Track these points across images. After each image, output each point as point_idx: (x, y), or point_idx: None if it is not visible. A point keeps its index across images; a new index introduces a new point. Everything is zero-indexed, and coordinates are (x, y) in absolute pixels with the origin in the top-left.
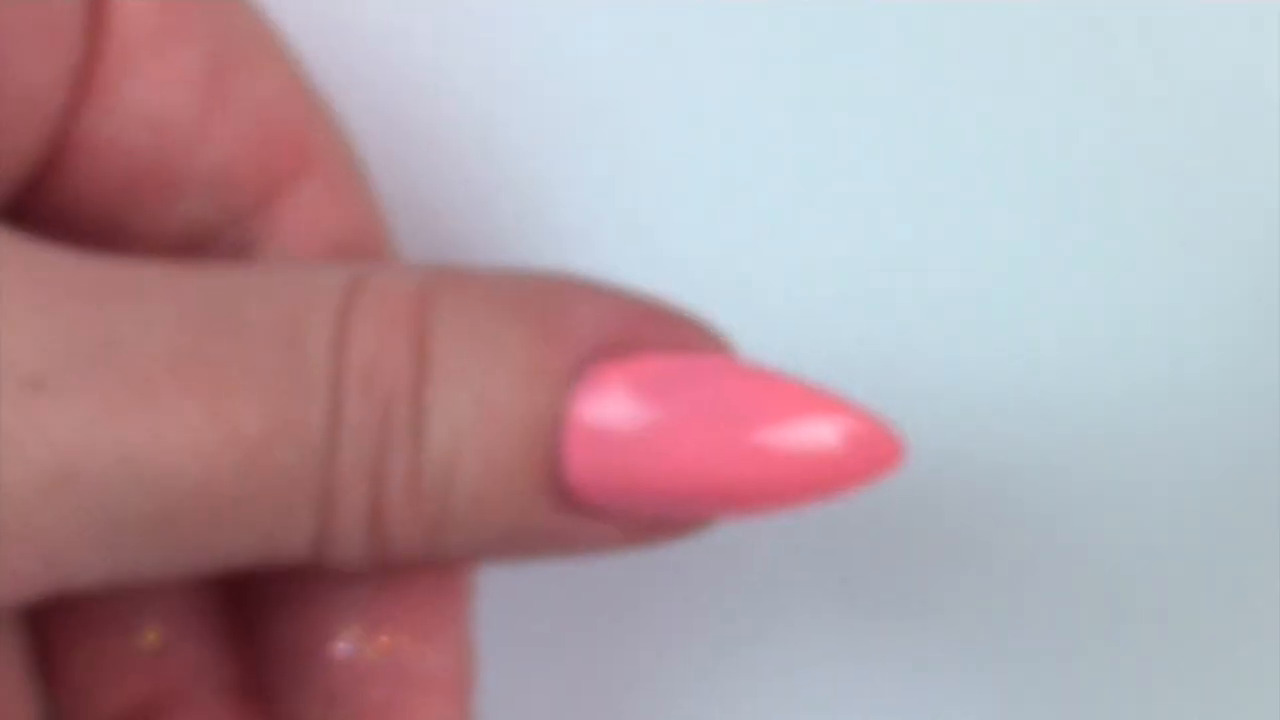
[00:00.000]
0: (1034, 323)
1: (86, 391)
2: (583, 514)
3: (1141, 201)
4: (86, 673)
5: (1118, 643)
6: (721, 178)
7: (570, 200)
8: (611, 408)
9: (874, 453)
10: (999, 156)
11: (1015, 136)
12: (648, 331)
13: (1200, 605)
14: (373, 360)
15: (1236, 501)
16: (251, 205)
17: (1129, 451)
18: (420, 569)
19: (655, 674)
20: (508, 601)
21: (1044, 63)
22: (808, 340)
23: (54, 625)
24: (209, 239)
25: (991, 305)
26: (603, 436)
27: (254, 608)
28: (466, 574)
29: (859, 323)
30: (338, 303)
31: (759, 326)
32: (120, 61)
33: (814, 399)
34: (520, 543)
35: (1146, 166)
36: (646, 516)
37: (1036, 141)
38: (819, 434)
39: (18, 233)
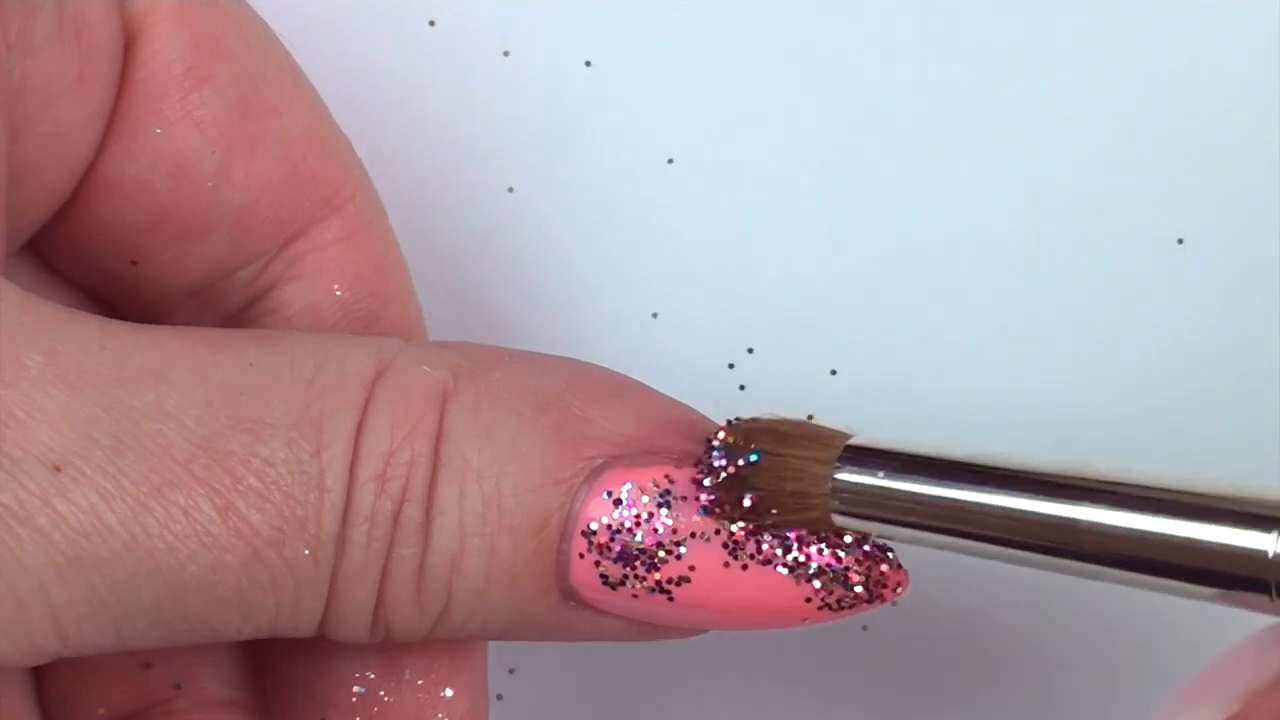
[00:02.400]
0: (1034, 323)
1: (103, 478)
2: (584, 611)
3: (1142, 201)
4: (71, 682)
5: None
6: (722, 181)
7: (583, 219)
8: (619, 522)
9: (873, 584)
10: (999, 156)
11: (1015, 137)
12: (663, 442)
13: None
14: (387, 460)
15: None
16: (272, 246)
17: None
18: None
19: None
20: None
21: (1044, 63)
22: (809, 345)
23: None
24: (228, 278)
25: (992, 304)
26: (605, 547)
27: (270, 646)
28: None
29: (859, 324)
30: (360, 396)
31: (761, 327)
32: (148, 104)
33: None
34: (521, 633)
35: (1147, 166)
36: (647, 618)
37: (1036, 142)
38: (815, 564)
39: (45, 305)
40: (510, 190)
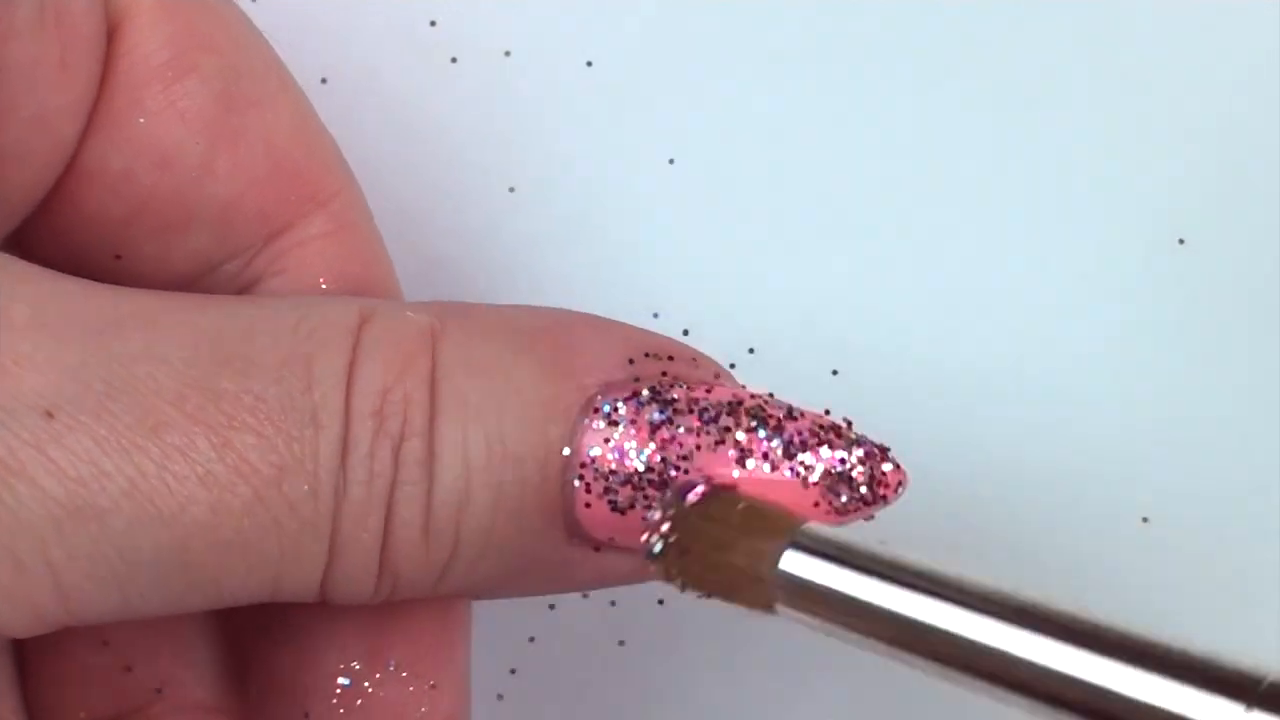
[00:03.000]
0: (1035, 323)
1: (96, 424)
2: (591, 546)
3: (1142, 201)
4: (53, 686)
5: None
6: (720, 182)
7: (577, 226)
8: (620, 443)
9: (875, 483)
10: (999, 156)
11: (1015, 137)
12: (653, 366)
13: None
14: (383, 395)
15: (1238, 503)
16: (257, 241)
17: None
18: (423, 607)
19: None
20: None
21: (1044, 63)
22: (810, 346)
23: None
24: (213, 273)
25: (992, 304)
26: (610, 472)
27: (252, 637)
28: (466, 618)
29: (860, 324)
30: (347, 339)
31: (761, 327)
32: (130, 94)
33: (815, 428)
34: (529, 576)
35: (1147, 166)
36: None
37: (1036, 142)
38: (821, 466)
39: (29, 265)
40: (511, 190)
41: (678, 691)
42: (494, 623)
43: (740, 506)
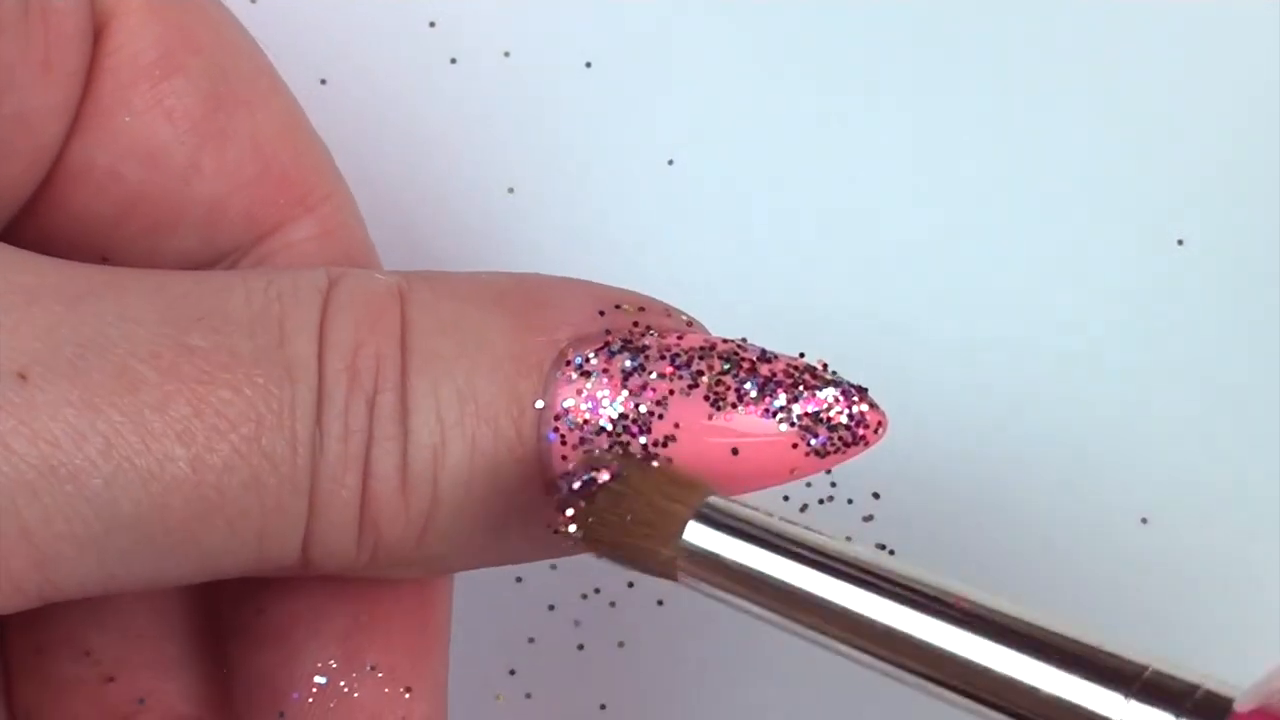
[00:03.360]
0: (1035, 322)
1: (70, 382)
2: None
3: (1142, 201)
4: (36, 696)
5: None
6: (721, 179)
7: (574, 224)
8: (593, 393)
9: (854, 423)
10: (999, 157)
11: (1015, 138)
12: (624, 317)
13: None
14: (355, 351)
15: (1237, 503)
16: (244, 242)
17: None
18: (402, 610)
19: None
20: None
21: (1044, 63)
22: (810, 346)
23: (7, 645)
24: None
25: (992, 304)
26: (584, 422)
27: (235, 637)
28: (445, 623)
29: (860, 324)
30: (317, 298)
31: (761, 327)
32: (117, 92)
33: (790, 369)
34: (511, 538)
35: (1147, 167)
36: None
37: (1036, 143)
38: (797, 407)
39: (3, 243)
40: (510, 190)
41: (678, 691)
42: (494, 623)
43: (655, 474)
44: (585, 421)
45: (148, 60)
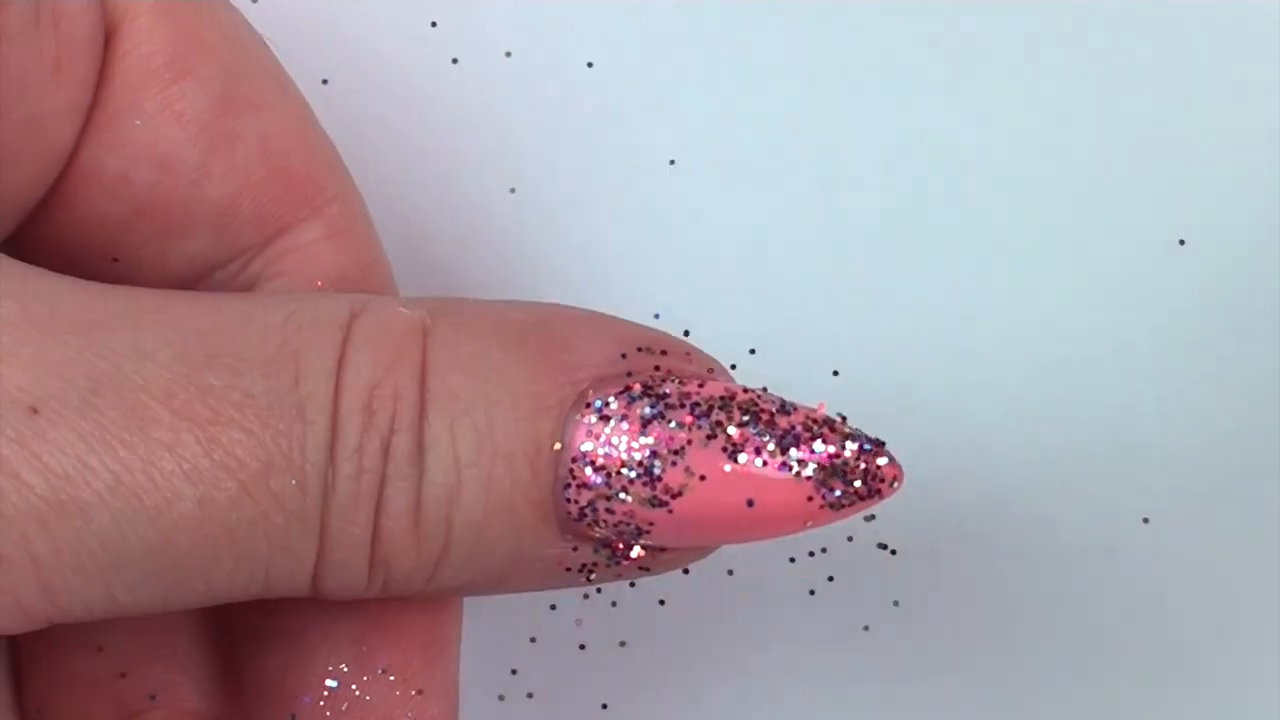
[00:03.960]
0: (1035, 323)
1: (81, 419)
2: (584, 543)
3: (1142, 201)
4: (47, 691)
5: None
6: (720, 185)
7: (576, 228)
8: (611, 439)
9: (870, 478)
10: (999, 157)
11: (1015, 138)
12: (646, 360)
13: (1200, 613)
14: (371, 391)
15: (1237, 503)
16: (254, 243)
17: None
18: (414, 612)
19: None
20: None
21: (1044, 63)
22: (811, 346)
23: (18, 641)
24: (210, 276)
25: (992, 304)
26: (600, 467)
27: (246, 639)
28: (457, 625)
29: (861, 325)
30: (337, 334)
31: (762, 328)
32: (127, 96)
33: (809, 422)
34: (520, 572)
35: (1147, 166)
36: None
37: (1036, 143)
38: (814, 461)
39: (17, 262)
40: (511, 191)
41: (678, 691)
42: (494, 623)
43: None
44: (601, 466)
45: (158, 63)
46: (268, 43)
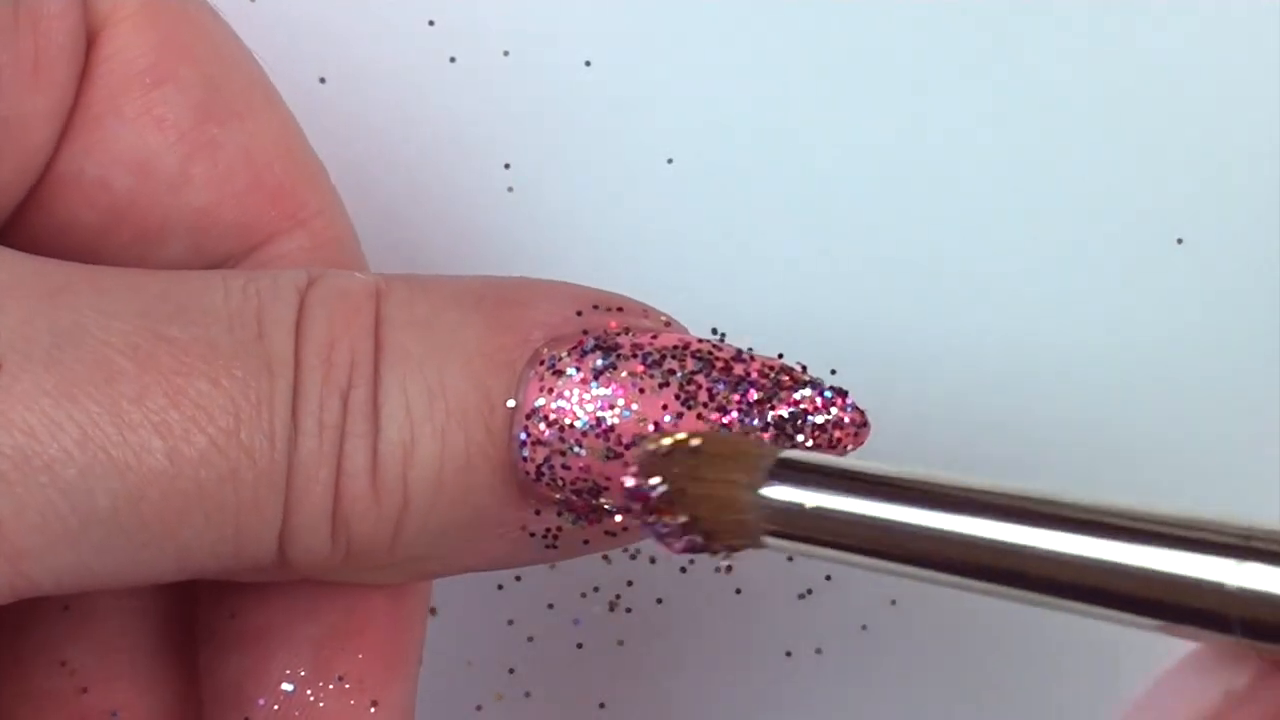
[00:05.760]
0: (1034, 322)
1: (47, 372)
2: (540, 501)
3: (1142, 201)
4: (9, 707)
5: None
6: (719, 180)
7: (570, 231)
8: (563, 392)
9: (835, 425)
10: (998, 157)
11: (1015, 138)
12: (601, 318)
13: None
14: (330, 346)
15: (1237, 502)
16: (234, 252)
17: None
18: (376, 621)
19: None
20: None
21: (1044, 64)
22: (809, 345)
23: None
24: None
25: (992, 304)
26: (554, 420)
27: (205, 644)
28: (419, 639)
29: (860, 324)
30: (294, 295)
31: (761, 328)
32: (107, 100)
33: (766, 369)
34: (485, 539)
35: (1147, 166)
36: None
37: (1036, 143)
38: (771, 409)
39: None
40: (510, 190)
41: (676, 691)
42: (493, 623)
43: (710, 446)
44: (554, 421)
45: (139, 68)
46: (253, 54)
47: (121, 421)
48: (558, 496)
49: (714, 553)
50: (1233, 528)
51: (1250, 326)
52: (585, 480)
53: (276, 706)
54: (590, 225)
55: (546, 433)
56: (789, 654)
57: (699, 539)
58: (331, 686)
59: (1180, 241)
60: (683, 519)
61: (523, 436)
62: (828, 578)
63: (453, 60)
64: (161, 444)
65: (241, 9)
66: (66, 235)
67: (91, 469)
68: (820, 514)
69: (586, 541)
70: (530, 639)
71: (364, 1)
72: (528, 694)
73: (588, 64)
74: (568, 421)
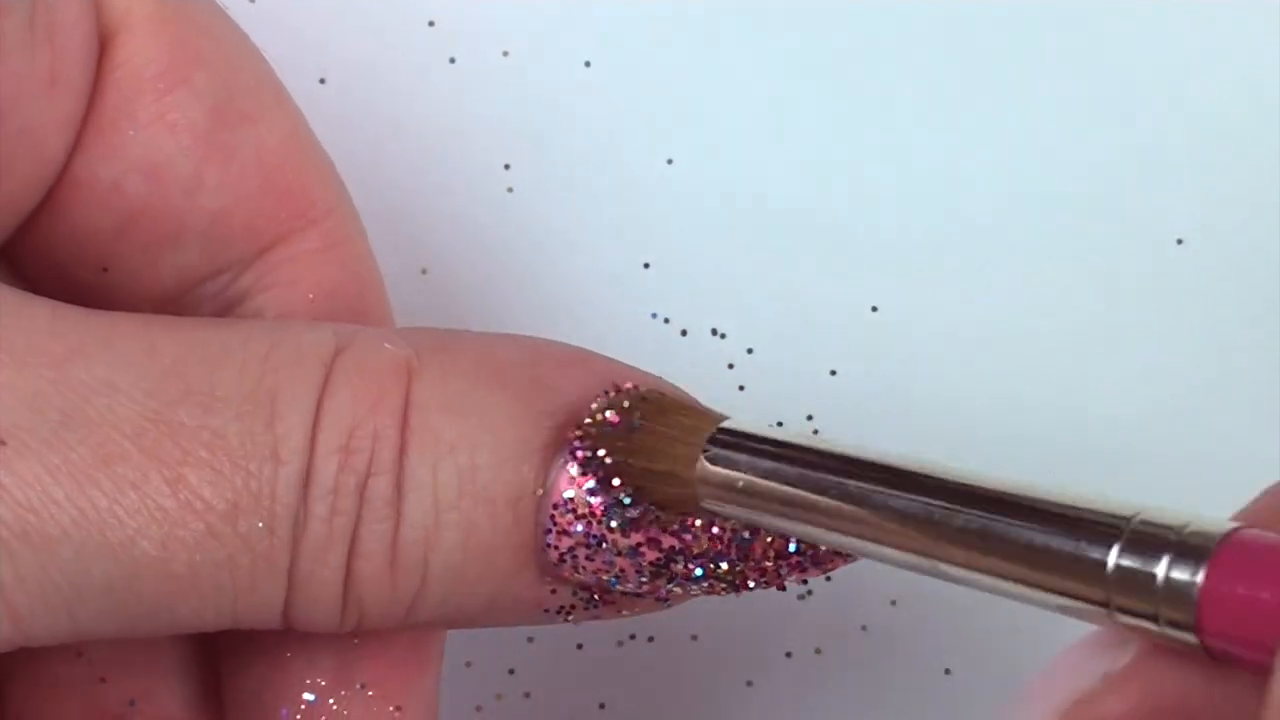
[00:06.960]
0: (1034, 322)
1: (49, 452)
2: (562, 585)
3: (1142, 201)
4: (26, 696)
5: None
6: (722, 181)
7: (570, 233)
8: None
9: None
10: (999, 157)
11: (1015, 138)
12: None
13: None
14: (351, 431)
15: (1237, 501)
16: (246, 256)
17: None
18: (396, 633)
19: None
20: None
21: (1044, 64)
22: (809, 346)
23: None
24: (201, 287)
25: (991, 305)
26: (581, 515)
27: (226, 653)
28: (439, 643)
29: (859, 325)
30: (319, 371)
31: (761, 328)
32: (121, 106)
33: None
34: (497, 612)
35: (1147, 166)
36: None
37: (1036, 143)
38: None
39: (0, 285)
40: (510, 190)
41: (676, 691)
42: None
43: (659, 410)
44: (584, 515)
45: (152, 73)
46: (264, 55)
47: (119, 506)
48: (577, 579)
49: (664, 526)
50: (1118, 510)
51: (1250, 326)
52: (609, 570)
53: (299, 716)
54: (590, 226)
55: (575, 526)
56: (789, 654)
57: (653, 510)
58: (354, 694)
59: (1180, 242)
60: (630, 491)
61: (549, 525)
62: (827, 578)
63: (453, 60)
64: (157, 530)
65: (242, 9)
66: (81, 240)
67: (87, 549)
68: (751, 489)
69: (597, 617)
70: (530, 639)
71: (364, 2)
72: (527, 694)
73: (588, 64)
74: (597, 517)
